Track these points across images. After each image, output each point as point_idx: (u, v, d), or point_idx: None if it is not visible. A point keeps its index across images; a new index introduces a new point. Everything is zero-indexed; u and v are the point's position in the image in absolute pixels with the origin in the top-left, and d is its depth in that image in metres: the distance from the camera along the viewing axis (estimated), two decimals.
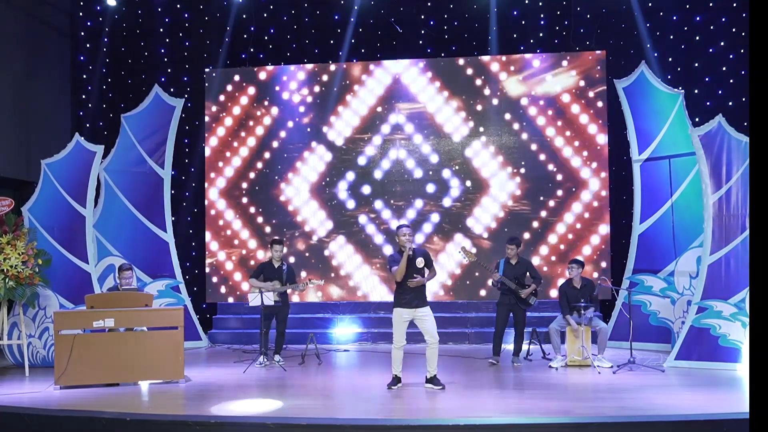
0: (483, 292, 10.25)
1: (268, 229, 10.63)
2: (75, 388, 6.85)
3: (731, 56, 9.68)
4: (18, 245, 7.96)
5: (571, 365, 7.77)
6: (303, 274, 10.26)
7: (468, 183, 10.40)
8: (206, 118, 10.78)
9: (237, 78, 10.79)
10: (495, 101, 10.38)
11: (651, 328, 9.01)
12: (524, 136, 10.31)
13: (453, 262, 10.35)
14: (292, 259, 10.36)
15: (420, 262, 6.65)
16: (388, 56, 10.67)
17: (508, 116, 10.35)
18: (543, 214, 10.22)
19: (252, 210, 10.71)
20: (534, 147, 10.28)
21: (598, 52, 10.18)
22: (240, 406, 6.03)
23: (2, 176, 9.75)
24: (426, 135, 10.51)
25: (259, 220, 10.68)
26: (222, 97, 10.79)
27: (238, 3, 10.48)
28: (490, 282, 8.65)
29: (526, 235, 10.14)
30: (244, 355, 8.84)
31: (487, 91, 10.41)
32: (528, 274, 8.11)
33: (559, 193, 10.20)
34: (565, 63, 10.24)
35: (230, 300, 10.62)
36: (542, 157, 10.26)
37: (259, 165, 10.71)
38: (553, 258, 10.17)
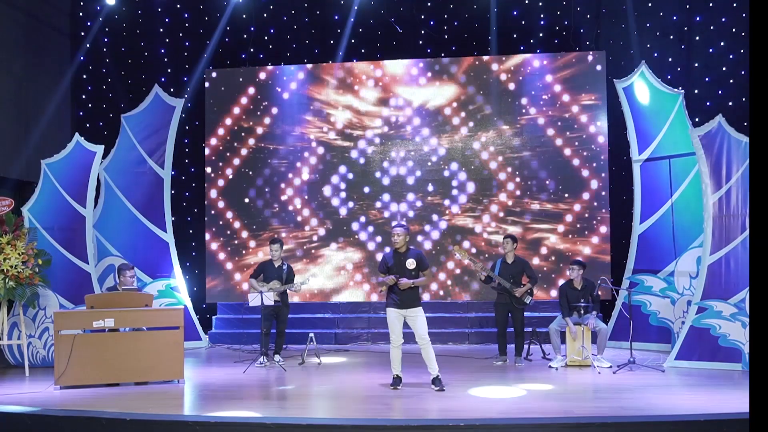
0: (482, 293, 10.25)
1: (268, 229, 10.63)
2: (75, 388, 6.85)
3: (731, 56, 9.68)
4: (18, 245, 7.96)
5: (571, 365, 7.77)
6: (304, 274, 10.26)
7: (467, 183, 10.41)
8: (206, 118, 10.78)
9: (237, 78, 10.79)
10: (494, 102, 10.38)
11: (651, 328, 9.02)
12: (524, 136, 10.31)
13: (452, 262, 10.35)
14: (292, 260, 10.35)
15: (411, 263, 6.61)
16: (388, 56, 10.67)
17: (507, 116, 10.36)
18: (543, 214, 10.22)
19: (252, 210, 10.70)
20: (534, 147, 10.28)
21: (598, 52, 10.18)
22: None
23: (2, 176, 9.75)
24: (425, 135, 10.51)
25: (260, 219, 10.68)
26: (222, 97, 10.79)
27: (237, 3, 10.47)
28: (477, 275, 8.60)
29: (526, 235, 10.14)
30: (244, 355, 8.83)
31: (486, 92, 10.41)
32: (524, 273, 8.12)
33: (559, 193, 10.20)
34: (565, 63, 10.24)
35: (230, 300, 10.62)
36: (542, 157, 10.26)
37: (260, 165, 10.71)
38: (553, 258, 10.18)
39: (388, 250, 6.87)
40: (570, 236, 10.16)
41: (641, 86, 9.21)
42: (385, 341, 9.73)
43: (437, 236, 10.42)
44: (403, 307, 6.63)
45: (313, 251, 10.61)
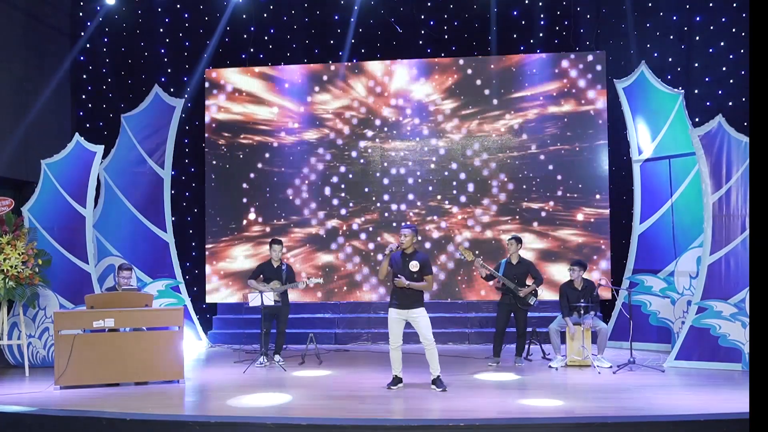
0: (483, 292, 10.25)
1: (268, 229, 10.63)
2: (75, 388, 6.85)
3: (731, 56, 9.68)
4: (18, 245, 7.96)
5: (571, 365, 7.77)
6: (303, 274, 10.26)
7: (467, 183, 10.41)
8: (206, 118, 10.79)
9: (237, 78, 10.79)
10: (495, 101, 10.38)
11: (651, 328, 9.02)
12: (524, 136, 10.31)
13: (452, 262, 10.35)
14: (292, 260, 10.36)
15: (414, 266, 6.60)
16: (388, 56, 10.67)
17: (507, 116, 10.36)
18: (543, 214, 10.23)
19: (252, 210, 10.71)
20: (534, 147, 10.28)
21: (598, 52, 10.19)
22: (244, 401, 6.03)
23: (2, 176, 9.75)
24: (425, 135, 10.51)
25: (260, 219, 10.68)
26: (222, 97, 10.79)
27: (237, 3, 10.47)
28: (475, 272, 8.62)
29: (526, 235, 10.13)
30: (244, 355, 8.83)
31: (486, 92, 10.40)
32: (529, 274, 8.11)
33: (559, 193, 10.20)
34: (565, 63, 10.24)
35: (230, 300, 10.62)
36: (542, 157, 10.26)
37: (259, 165, 10.71)
38: (553, 258, 10.17)
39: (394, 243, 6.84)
40: (570, 236, 10.15)
41: (641, 86, 9.21)
42: (385, 341, 9.72)
43: (437, 236, 10.42)
44: (404, 307, 6.61)
45: (312, 251, 10.60)
